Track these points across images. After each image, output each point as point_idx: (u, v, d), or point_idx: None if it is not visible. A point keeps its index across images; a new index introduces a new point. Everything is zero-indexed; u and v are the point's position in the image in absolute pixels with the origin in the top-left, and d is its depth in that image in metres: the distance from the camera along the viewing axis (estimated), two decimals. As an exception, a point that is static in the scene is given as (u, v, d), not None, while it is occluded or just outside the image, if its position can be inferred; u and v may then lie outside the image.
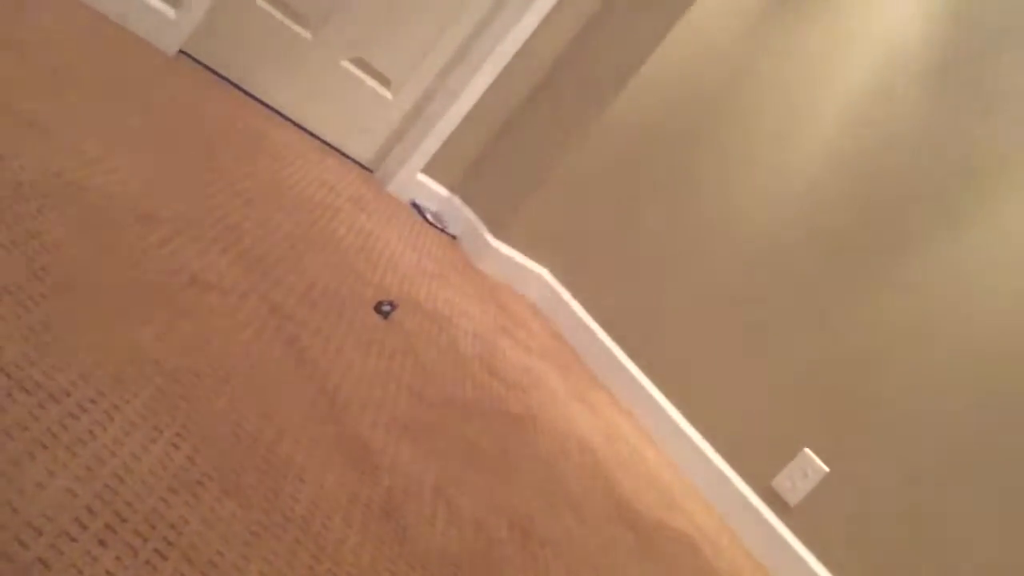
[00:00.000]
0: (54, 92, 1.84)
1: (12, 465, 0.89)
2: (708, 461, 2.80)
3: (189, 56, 2.93)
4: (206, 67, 2.97)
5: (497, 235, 3.34)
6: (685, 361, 2.98)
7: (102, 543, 0.90)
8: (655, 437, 2.94)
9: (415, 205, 3.36)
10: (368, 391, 1.70)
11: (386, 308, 2.09)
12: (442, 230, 3.35)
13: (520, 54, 3.22)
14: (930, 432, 2.44)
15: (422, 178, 3.38)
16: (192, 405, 1.22)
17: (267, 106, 3.13)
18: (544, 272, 3.41)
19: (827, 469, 2.58)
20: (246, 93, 3.07)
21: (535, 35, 3.20)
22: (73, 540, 0.88)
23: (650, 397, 2.99)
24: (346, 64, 3.15)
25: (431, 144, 3.24)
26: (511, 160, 3.34)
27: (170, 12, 2.71)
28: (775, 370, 2.78)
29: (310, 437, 1.38)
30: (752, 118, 3.15)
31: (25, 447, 0.94)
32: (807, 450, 2.61)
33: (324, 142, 3.26)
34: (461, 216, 3.41)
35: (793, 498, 2.57)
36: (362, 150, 3.32)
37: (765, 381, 2.78)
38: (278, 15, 2.97)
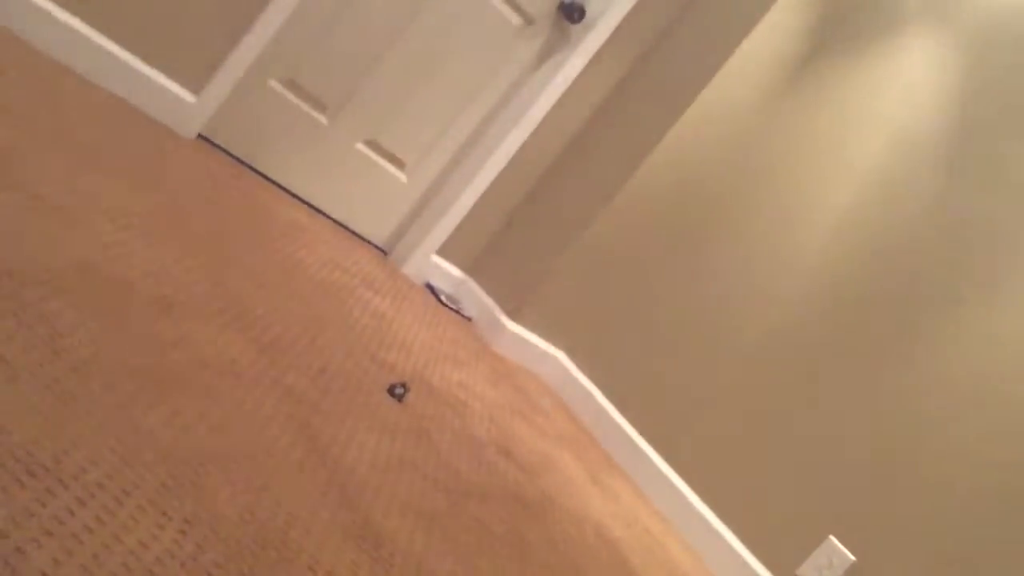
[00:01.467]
0: (70, 173, 1.84)
1: (17, 553, 0.86)
2: (730, 549, 2.72)
3: (207, 140, 2.94)
4: (224, 151, 2.98)
5: (512, 317, 3.31)
6: (705, 445, 2.91)
7: (106, 638, 0.86)
8: (675, 523, 2.86)
9: (430, 287, 3.33)
10: (381, 476, 1.66)
11: (399, 391, 2.05)
12: (457, 312, 3.32)
13: (534, 137, 3.23)
14: (960, 518, 2.36)
15: (436, 260, 3.36)
16: (201, 492, 1.19)
17: (283, 189, 3.13)
18: (560, 355, 3.37)
19: (853, 558, 2.48)
20: (263, 176, 3.08)
21: (548, 118, 3.22)
22: (76, 634, 0.83)
23: (669, 482, 2.92)
24: (361, 147, 3.17)
25: (445, 226, 3.24)
26: (525, 242, 3.33)
27: (190, 97, 2.73)
28: (798, 454, 2.71)
29: (322, 524, 1.34)
30: (764, 197, 3.13)
31: (31, 535, 0.91)
32: (832, 538, 2.53)
33: (339, 224, 3.26)
34: (476, 298, 3.38)
35: (819, 587, 2.49)
36: (377, 232, 3.31)
37: (788, 466, 2.71)
38: (296, 101, 3.01)
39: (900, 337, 2.66)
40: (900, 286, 2.71)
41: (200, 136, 2.93)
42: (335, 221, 3.25)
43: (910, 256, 2.71)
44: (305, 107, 3.03)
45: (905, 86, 2.97)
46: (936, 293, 2.62)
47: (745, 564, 2.66)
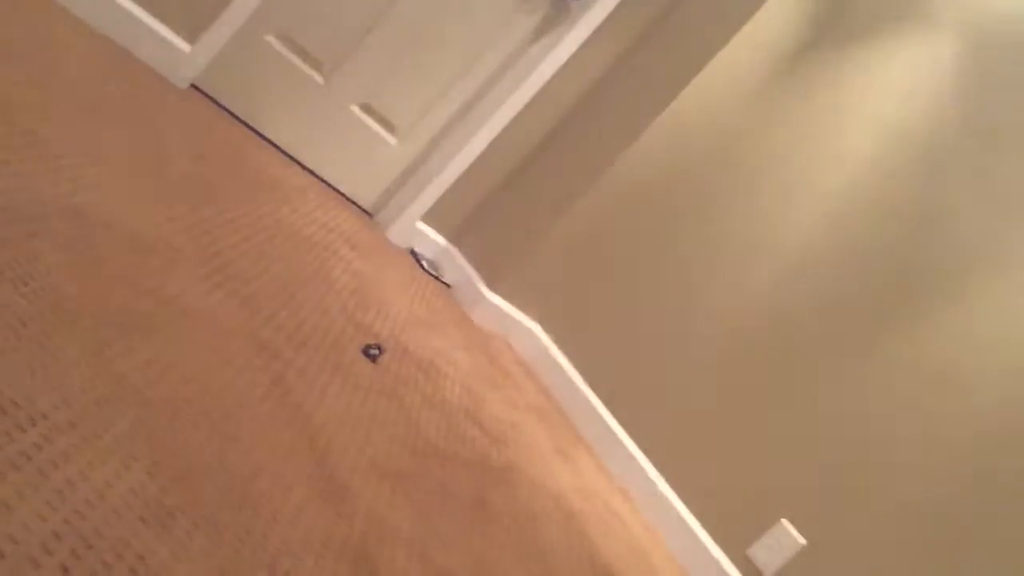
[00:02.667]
0: (60, 114, 1.85)
1: (-17, 485, 0.89)
2: (686, 526, 2.76)
3: (200, 90, 2.95)
4: (216, 102, 2.99)
5: (491, 287, 3.34)
6: (669, 423, 2.95)
7: (65, 570, 0.89)
8: (635, 499, 2.91)
9: (413, 253, 3.36)
10: (350, 434, 1.68)
11: (374, 352, 2.07)
12: (437, 278, 3.35)
13: (526, 111, 3.24)
14: (913, 511, 2.40)
15: (421, 226, 3.39)
16: (170, 436, 1.21)
17: (273, 145, 3.14)
18: (535, 327, 3.40)
19: (803, 541, 2.53)
20: (253, 131, 3.09)
21: (541, 93, 3.23)
22: (38, 566, 0.87)
23: (632, 458, 2.96)
24: (354, 109, 3.18)
25: (432, 193, 3.26)
26: (510, 214, 3.36)
27: (184, 46, 2.74)
28: (756, 438, 2.75)
29: (288, 476, 1.36)
30: (751, 185, 3.15)
31: (-2, 467, 0.93)
32: (784, 521, 2.57)
33: (327, 184, 3.27)
34: (457, 266, 3.41)
35: (768, 569, 2.54)
36: (364, 194, 3.33)
37: (747, 448, 2.75)
38: (293, 58, 3.02)
39: (869, 328, 2.69)
40: (876, 278, 2.74)
41: (193, 86, 2.93)
42: (323, 180, 3.27)
43: (891, 249, 2.74)
44: (301, 64, 3.04)
45: (899, 82, 2.98)
46: (911, 286, 2.65)
47: (698, 541, 2.71)
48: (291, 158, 3.18)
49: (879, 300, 2.71)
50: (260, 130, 3.11)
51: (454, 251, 3.46)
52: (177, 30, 2.72)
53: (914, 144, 2.86)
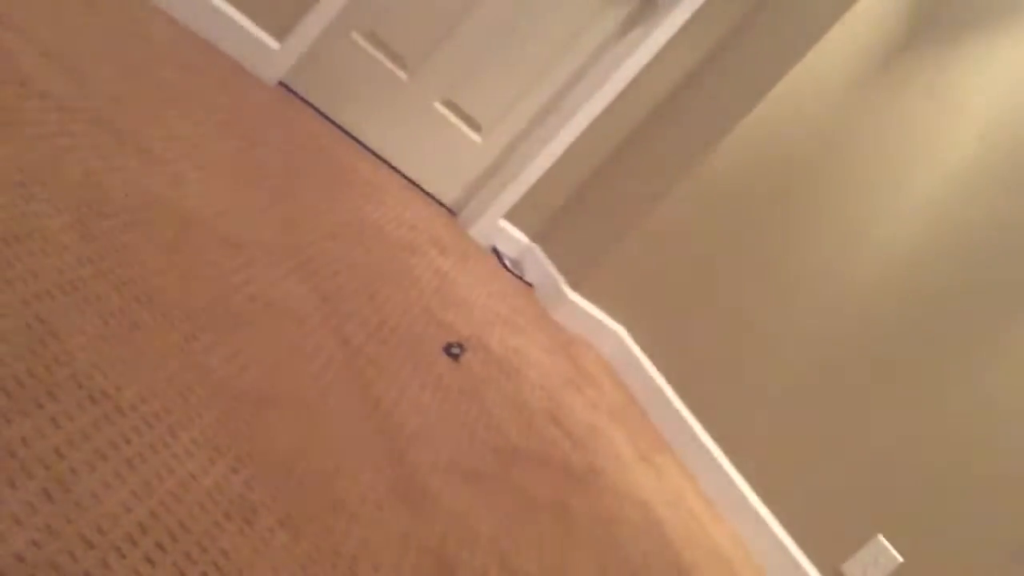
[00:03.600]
0: (151, 110, 1.88)
1: (71, 474, 0.89)
2: (775, 538, 2.68)
3: (288, 88, 2.98)
4: (303, 99, 3.02)
5: (575, 288, 3.30)
6: (759, 432, 2.87)
7: (151, 562, 0.89)
8: (721, 507, 2.84)
9: (495, 251, 3.35)
10: (430, 433, 1.67)
11: (455, 351, 2.07)
12: (519, 278, 3.33)
13: (611, 108, 3.21)
14: (1018, 532, 2.30)
15: (504, 224, 3.37)
16: (255, 431, 1.21)
17: (358, 141, 3.17)
18: (619, 329, 3.36)
19: (900, 559, 2.43)
20: (339, 127, 3.12)
21: (627, 90, 3.19)
22: (123, 556, 0.86)
23: (719, 466, 2.90)
24: (438, 106, 3.19)
25: (516, 190, 3.25)
26: (595, 213, 3.32)
27: (274, 44, 2.76)
28: (853, 449, 2.65)
29: (369, 475, 1.35)
30: (847, 184, 3.06)
31: (86, 457, 0.94)
32: (881, 537, 2.48)
33: (410, 181, 3.28)
34: (540, 265, 3.38)
35: (862, 586, 2.44)
36: (447, 192, 3.34)
37: (843, 460, 2.66)
38: (378, 55, 3.03)
39: (973, 339, 2.59)
40: (979, 286, 2.64)
41: (281, 83, 2.96)
42: (406, 177, 3.27)
43: (994, 257, 2.64)
44: (386, 62, 3.05)
45: (1004, 82, 2.85)
46: (1018, 298, 2.54)
47: (788, 555, 2.63)
48: (375, 155, 3.19)
49: (983, 307, 2.60)
50: (345, 127, 3.13)
51: (537, 250, 3.43)
52: (267, 28, 2.75)
53: (1020, 144, 2.71)
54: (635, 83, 3.18)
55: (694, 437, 2.99)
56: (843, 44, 3.08)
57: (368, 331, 1.84)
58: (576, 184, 3.34)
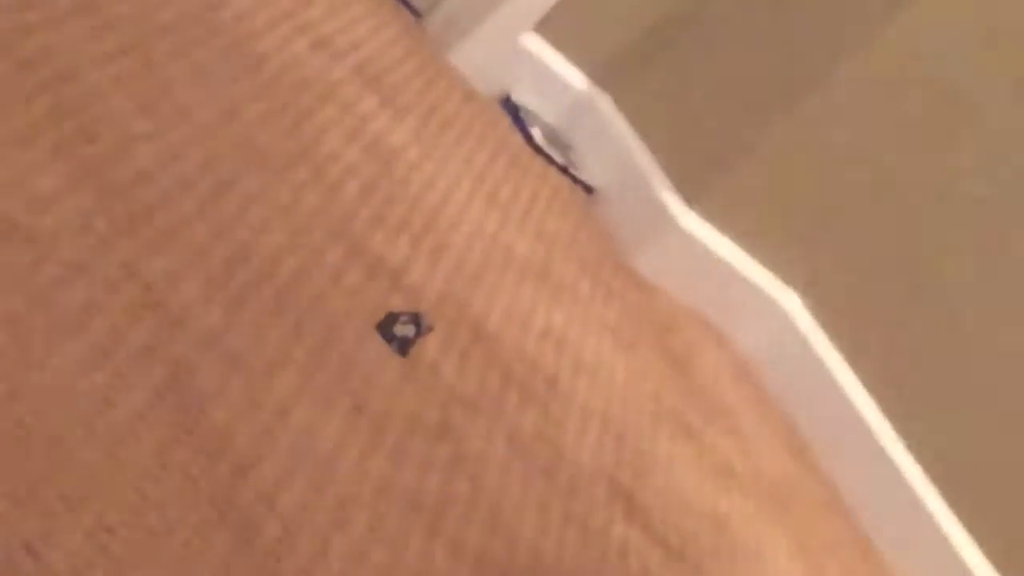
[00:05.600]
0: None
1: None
2: None
3: None
4: None
5: (692, 202, 2.19)
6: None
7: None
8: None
9: (509, 103, 2.23)
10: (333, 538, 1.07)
11: (405, 330, 1.44)
12: (564, 168, 2.19)
13: None
14: None
15: (531, 44, 2.14)
16: None
17: None
18: (790, 298, 2.18)
19: None
20: None
21: None
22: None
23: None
24: None
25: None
26: (736, 47, 2.26)
27: None
28: None
29: None
30: None
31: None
32: None
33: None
34: (615, 145, 2.27)
35: None
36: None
37: None
38: None
39: None
40: None
41: None
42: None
43: None
44: None
45: None
46: None
47: None
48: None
49: None
50: None
51: (606, 105, 2.26)
52: None
53: None
54: None
55: (941, 535, 1.99)
56: None
57: (205, 276, 1.18)
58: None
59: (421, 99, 1.95)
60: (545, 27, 2.07)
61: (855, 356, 2.06)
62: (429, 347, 1.42)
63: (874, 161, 2.13)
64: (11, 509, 0.79)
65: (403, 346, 1.39)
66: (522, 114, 2.21)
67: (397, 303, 1.47)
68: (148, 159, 1.27)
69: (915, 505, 1.91)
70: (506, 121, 2.20)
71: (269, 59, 1.69)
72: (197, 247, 1.21)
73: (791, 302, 2.10)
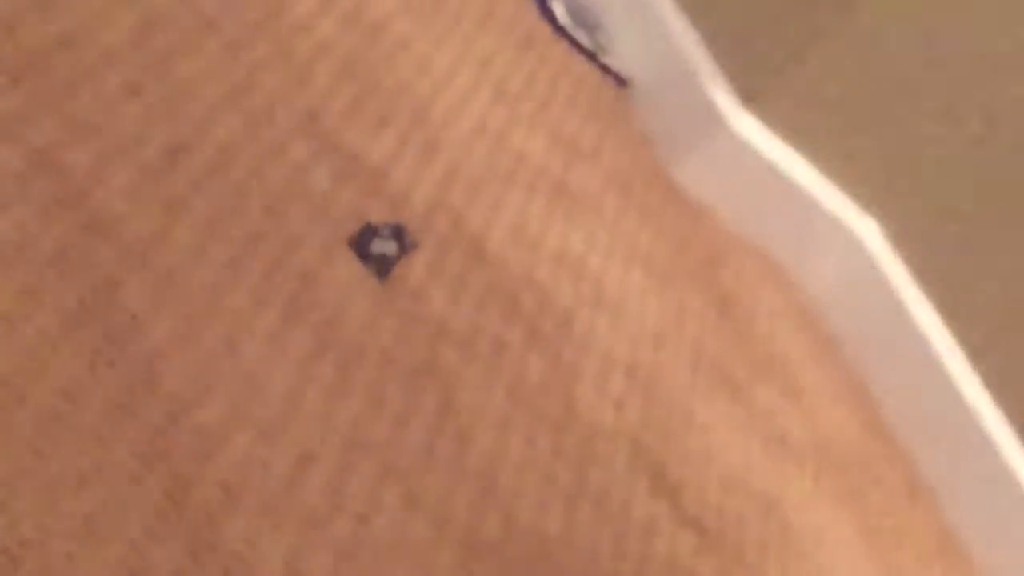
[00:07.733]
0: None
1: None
2: None
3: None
4: None
5: (752, 101, 2.01)
6: None
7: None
8: None
9: None
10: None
11: (385, 246, 1.48)
12: (592, 56, 2.01)
13: None
14: None
15: None
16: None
17: None
18: (867, 225, 1.98)
19: None
20: None
21: None
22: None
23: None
24: None
25: None
26: None
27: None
28: None
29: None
30: None
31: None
32: None
33: None
34: (653, 26, 2.11)
35: None
36: None
37: None
38: None
39: None
40: None
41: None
42: None
43: None
44: None
45: None
46: None
47: None
48: None
49: None
50: None
51: None
52: None
53: None
54: None
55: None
56: None
57: (136, 168, 1.18)
58: None
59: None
60: None
61: (944, 301, 1.80)
62: (414, 269, 1.34)
63: (978, 68, 1.78)
64: None
65: (382, 266, 1.34)
66: (541, -16, 2.03)
67: (376, 213, 1.40)
68: (70, 22, 1.10)
69: (1013, 489, 1.64)
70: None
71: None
72: (127, 133, 1.08)
73: (868, 231, 1.85)
